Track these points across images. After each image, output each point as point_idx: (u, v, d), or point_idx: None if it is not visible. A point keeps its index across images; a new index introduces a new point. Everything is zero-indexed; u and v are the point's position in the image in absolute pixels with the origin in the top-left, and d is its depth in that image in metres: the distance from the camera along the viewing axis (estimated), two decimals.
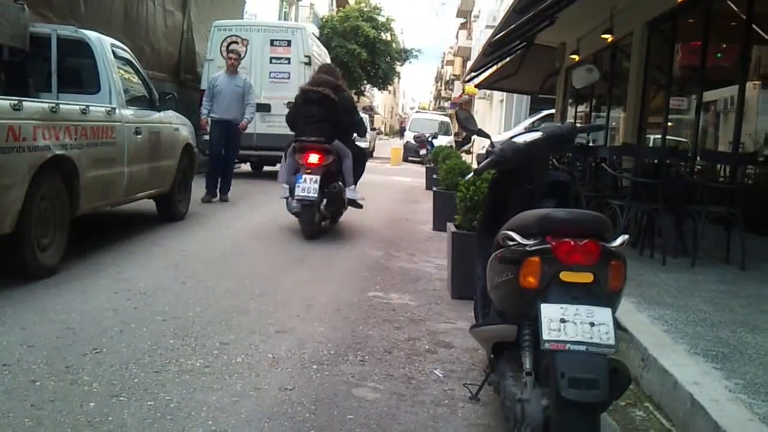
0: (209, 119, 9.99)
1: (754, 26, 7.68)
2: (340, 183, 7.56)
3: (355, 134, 8.03)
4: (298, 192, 6.90)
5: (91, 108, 5.56)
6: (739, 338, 3.90)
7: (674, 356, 3.49)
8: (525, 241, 2.44)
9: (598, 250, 2.32)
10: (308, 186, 6.90)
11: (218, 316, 4.26)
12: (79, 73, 6.47)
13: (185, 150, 7.80)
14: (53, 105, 5.00)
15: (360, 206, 8.07)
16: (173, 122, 7.56)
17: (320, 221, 7.40)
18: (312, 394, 3.18)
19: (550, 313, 2.27)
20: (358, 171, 7.92)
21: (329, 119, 7.30)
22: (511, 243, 2.51)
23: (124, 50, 6.94)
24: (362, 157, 8.14)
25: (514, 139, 3.21)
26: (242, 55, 13.37)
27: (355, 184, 7.81)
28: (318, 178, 6.95)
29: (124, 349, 3.58)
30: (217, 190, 9.76)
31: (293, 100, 7.69)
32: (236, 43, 13.40)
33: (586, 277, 2.32)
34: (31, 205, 4.69)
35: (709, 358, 3.50)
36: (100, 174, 5.66)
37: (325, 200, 7.25)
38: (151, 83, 7.31)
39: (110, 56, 6.34)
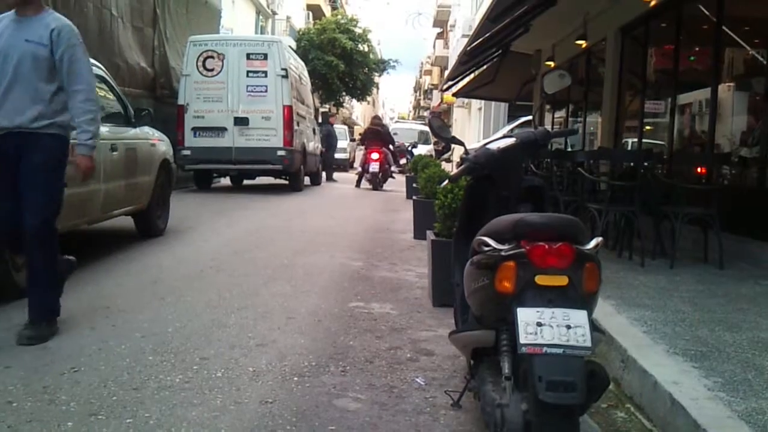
0: None
1: (724, 29, 7.78)
2: (386, 165, 16.96)
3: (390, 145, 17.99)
4: (370, 170, 16.61)
5: None
6: (717, 337, 3.93)
7: (654, 356, 3.51)
8: (500, 246, 2.44)
9: (572, 253, 2.32)
10: (374, 167, 16.52)
11: (198, 331, 4.23)
12: None
13: (162, 165, 7.76)
14: None
15: (394, 177, 18.15)
16: (149, 138, 7.52)
17: (378, 182, 16.71)
18: (293, 407, 3.16)
19: (526, 317, 2.27)
20: (393, 161, 17.88)
21: (380, 138, 17.28)
22: (486, 248, 2.51)
23: (98, 67, 6.87)
24: (395, 155, 18.42)
25: (488, 146, 3.22)
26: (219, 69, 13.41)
27: (391, 166, 17.66)
28: (378, 163, 16.61)
29: (103, 367, 3.54)
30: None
31: (363, 132, 20.12)
32: (212, 57, 13.42)
33: (561, 280, 2.32)
34: None
35: (688, 357, 3.52)
36: (76, 192, 5.60)
37: (381, 173, 16.72)
38: (126, 99, 7.26)
39: None
